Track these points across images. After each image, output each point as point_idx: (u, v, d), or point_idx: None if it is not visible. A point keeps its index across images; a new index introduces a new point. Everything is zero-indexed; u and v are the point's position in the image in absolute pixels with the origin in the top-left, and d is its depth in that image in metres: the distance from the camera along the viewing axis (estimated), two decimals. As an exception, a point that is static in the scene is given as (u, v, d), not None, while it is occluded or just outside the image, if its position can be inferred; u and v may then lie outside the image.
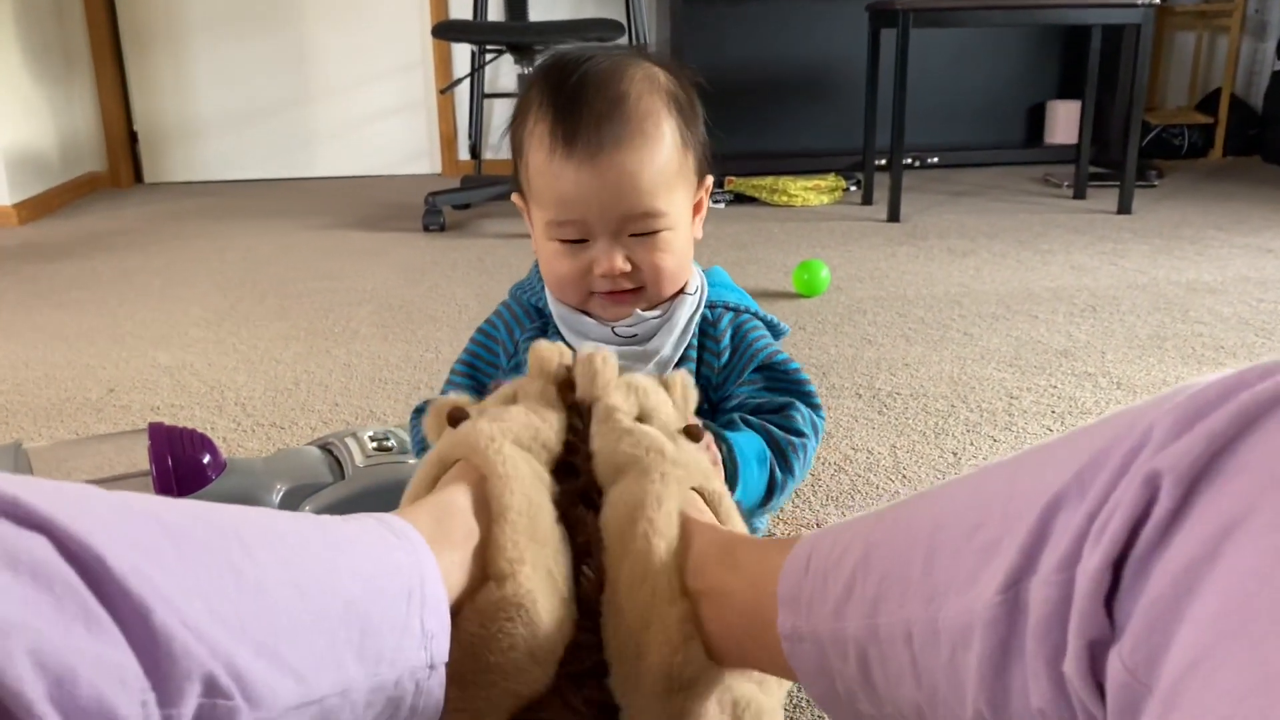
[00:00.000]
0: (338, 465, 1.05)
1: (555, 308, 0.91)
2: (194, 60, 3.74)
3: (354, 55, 3.79)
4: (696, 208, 0.91)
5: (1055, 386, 1.54)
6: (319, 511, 0.98)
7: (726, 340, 0.89)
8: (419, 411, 0.96)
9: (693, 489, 0.68)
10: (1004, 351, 1.70)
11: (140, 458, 1.00)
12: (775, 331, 0.94)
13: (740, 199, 3.21)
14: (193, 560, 0.43)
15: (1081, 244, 2.51)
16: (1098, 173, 3.25)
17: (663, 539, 0.62)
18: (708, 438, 0.75)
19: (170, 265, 2.49)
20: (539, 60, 2.75)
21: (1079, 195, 3.13)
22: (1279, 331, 1.78)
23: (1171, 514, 0.36)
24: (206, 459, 1.01)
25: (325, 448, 1.09)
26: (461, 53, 3.73)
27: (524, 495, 0.62)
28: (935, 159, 3.70)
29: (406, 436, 1.10)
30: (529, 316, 0.93)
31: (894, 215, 2.84)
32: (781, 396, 0.89)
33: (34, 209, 3.12)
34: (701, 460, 0.70)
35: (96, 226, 3.03)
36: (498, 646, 0.58)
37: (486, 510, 0.62)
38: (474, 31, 3.11)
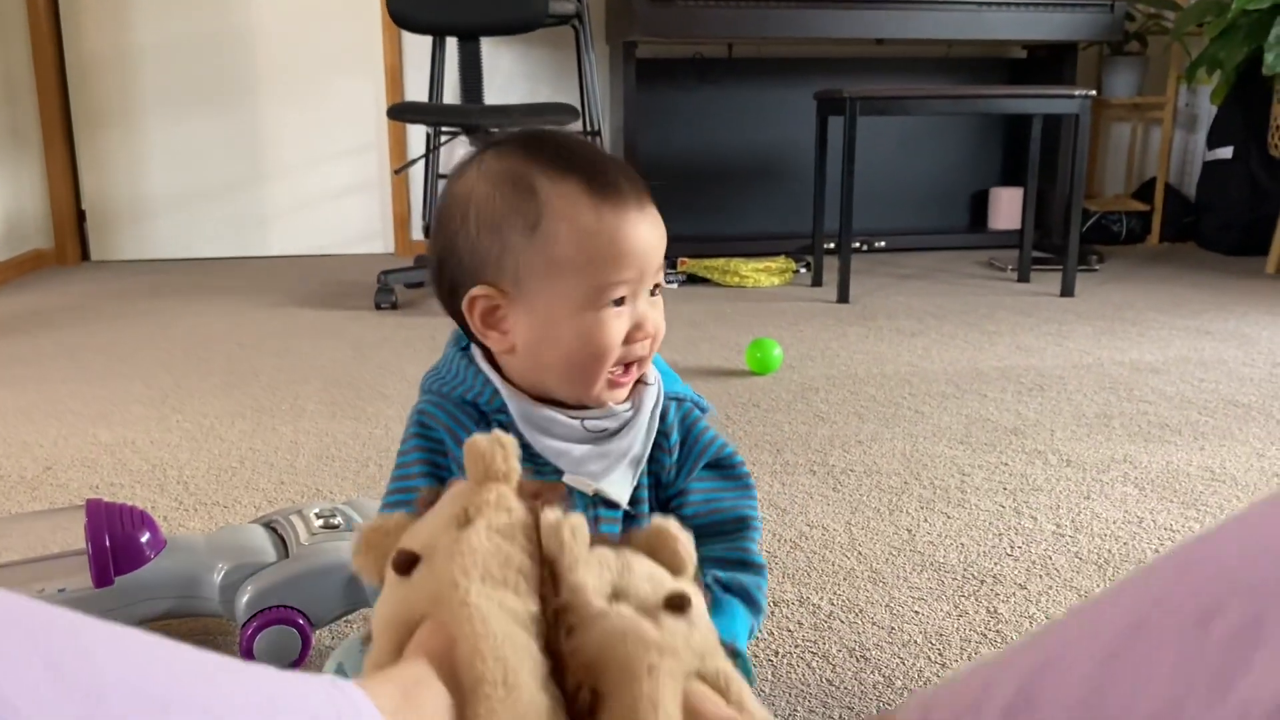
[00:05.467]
0: (282, 543, 1.02)
1: (515, 404, 0.80)
2: (146, 139, 3.72)
3: (309, 135, 3.81)
4: None
5: (1006, 464, 1.55)
6: (261, 590, 0.95)
7: (675, 436, 0.85)
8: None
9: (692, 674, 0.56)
10: (955, 429, 1.72)
11: (76, 536, 0.97)
12: (701, 409, 0.92)
13: (693, 279, 3.24)
14: None
15: (1027, 325, 2.56)
16: (1040, 257, 3.33)
17: None
18: (697, 602, 0.62)
19: (114, 342, 2.45)
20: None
21: (1023, 278, 3.20)
22: (1221, 410, 1.81)
23: None
24: (145, 537, 0.98)
25: (269, 525, 1.06)
26: (416, 134, 3.76)
27: (498, 660, 0.52)
28: (882, 243, 3.77)
29: (353, 514, 1.07)
30: (465, 415, 0.81)
31: (843, 296, 2.88)
32: (730, 496, 0.87)
33: (-25, 285, 3.07)
34: (694, 637, 0.58)
35: (40, 303, 2.98)
36: None
37: (458, 677, 0.52)
38: (429, 113, 3.14)
